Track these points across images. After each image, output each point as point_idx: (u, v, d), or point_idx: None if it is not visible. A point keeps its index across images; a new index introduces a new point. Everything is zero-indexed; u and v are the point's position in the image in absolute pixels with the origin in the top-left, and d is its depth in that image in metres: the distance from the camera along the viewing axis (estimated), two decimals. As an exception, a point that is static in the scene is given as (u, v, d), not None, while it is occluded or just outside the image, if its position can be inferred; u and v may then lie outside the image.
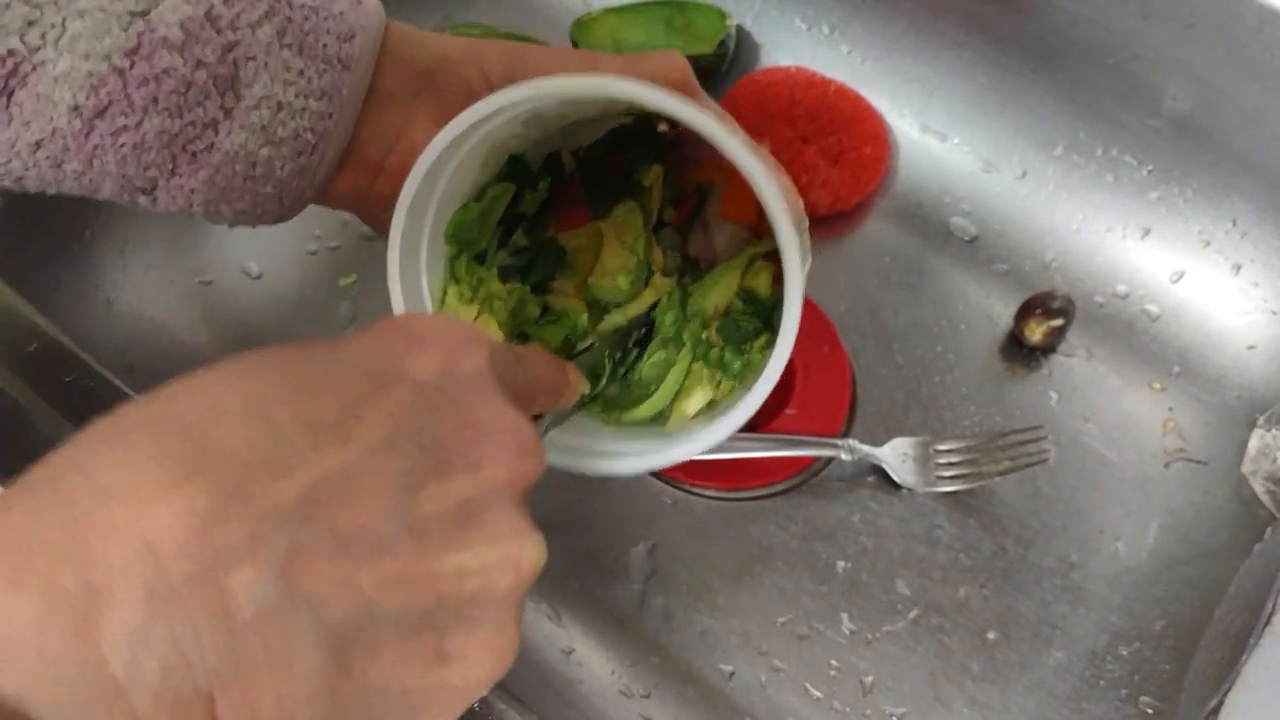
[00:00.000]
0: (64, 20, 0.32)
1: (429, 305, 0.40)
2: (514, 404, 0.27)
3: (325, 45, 0.37)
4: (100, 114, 0.33)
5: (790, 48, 0.68)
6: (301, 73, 0.36)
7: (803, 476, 0.56)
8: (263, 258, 0.62)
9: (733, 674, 0.52)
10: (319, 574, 0.21)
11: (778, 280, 0.45)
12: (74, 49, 0.32)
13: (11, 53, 0.32)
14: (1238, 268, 0.60)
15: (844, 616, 0.53)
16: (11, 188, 0.35)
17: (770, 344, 0.40)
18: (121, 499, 0.20)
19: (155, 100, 0.34)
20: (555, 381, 0.33)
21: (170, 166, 0.35)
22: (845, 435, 0.57)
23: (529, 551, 0.26)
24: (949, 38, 0.63)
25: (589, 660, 0.53)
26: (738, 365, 0.44)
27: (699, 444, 0.39)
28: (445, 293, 0.41)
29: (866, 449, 0.55)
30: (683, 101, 0.37)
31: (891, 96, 0.66)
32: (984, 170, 0.64)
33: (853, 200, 0.64)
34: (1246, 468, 0.56)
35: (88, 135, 0.34)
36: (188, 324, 0.60)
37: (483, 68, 0.40)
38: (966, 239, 0.63)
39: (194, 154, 0.35)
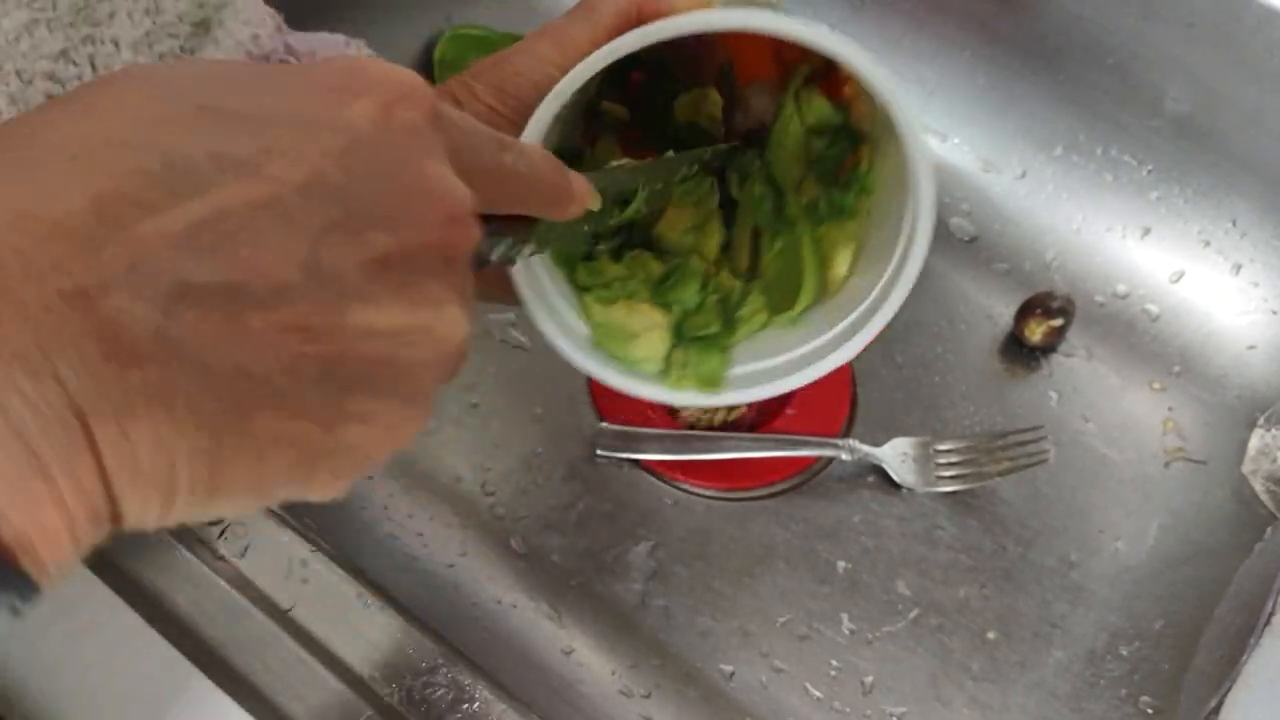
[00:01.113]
0: None
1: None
2: (469, 178, 0.25)
3: None
4: None
5: (790, 48, 0.68)
6: None
7: (803, 476, 0.56)
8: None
9: (733, 674, 0.52)
10: (206, 313, 0.19)
11: (832, 94, 0.42)
12: None
13: None
14: (1238, 268, 0.60)
15: (844, 616, 0.53)
16: None
17: (871, 155, 0.38)
18: (3, 212, 0.18)
19: None
20: (553, 182, 0.30)
21: None
22: (845, 435, 0.57)
23: (451, 324, 0.24)
24: (949, 38, 0.63)
25: (589, 660, 0.53)
26: (850, 198, 0.42)
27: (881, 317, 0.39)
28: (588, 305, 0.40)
29: (866, 449, 0.55)
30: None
31: (891, 97, 0.66)
32: (984, 170, 0.64)
33: (853, 200, 0.64)
34: (1246, 467, 0.56)
35: None
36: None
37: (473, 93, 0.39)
38: (966, 239, 0.63)
39: None
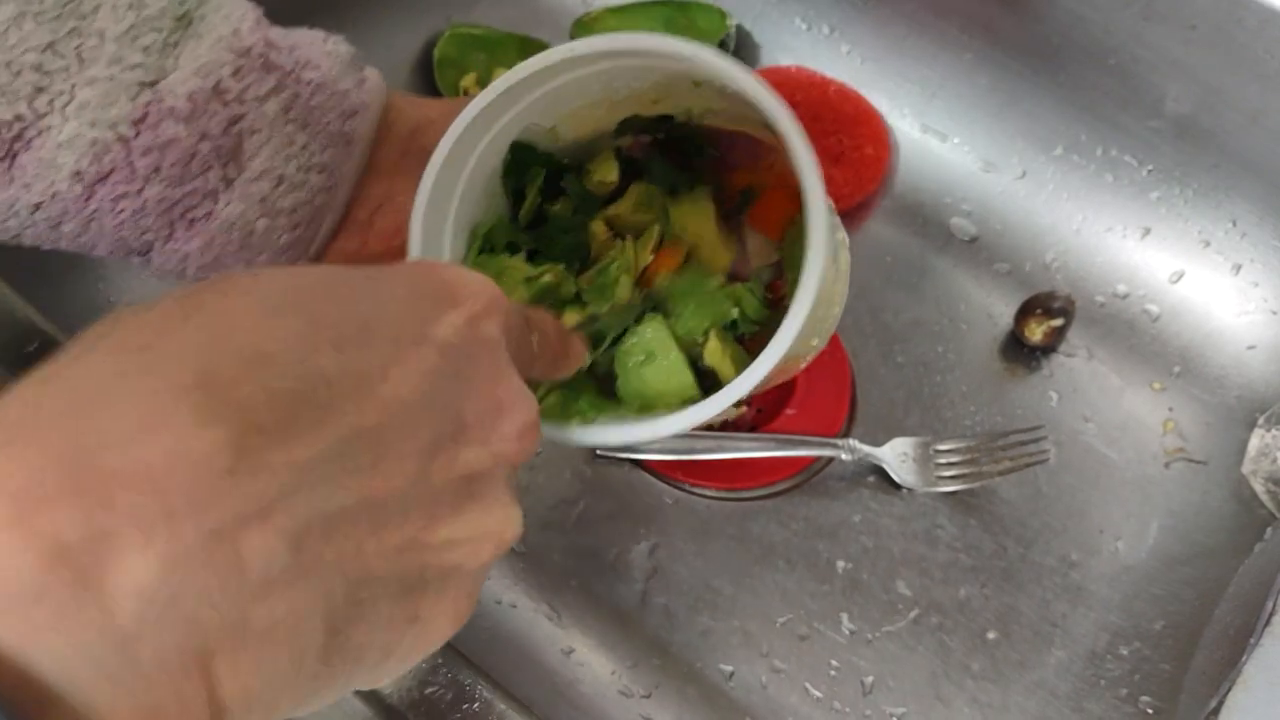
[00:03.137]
0: (73, 88, 0.32)
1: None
2: (518, 370, 0.27)
3: (329, 122, 0.37)
4: (102, 180, 0.33)
5: (790, 48, 0.68)
6: (304, 147, 0.36)
7: (803, 476, 0.56)
8: (263, 257, 0.62)
9: (733, 674, 0.52)
10: (333, 541, 0.20)
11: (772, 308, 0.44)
12: (80, 116, 0.32)
13: (19, 118, 0.32)
14: (1238, 268, 0.60)
15: (844, 616, 0.53)
16: (6, 243, 0.35)
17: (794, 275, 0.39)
18: (138, 439, 0.18)
19: (157, 169, 0.34)
20: (557, 351, 0.32)
21: (168, 232, 0.36)
22: (845, 435, 0.57)
23: (512, 526, 0.25)
24: (950, 38, 0.63)
25: (589, 660, 0.53)
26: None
27: (685, 420, 0.37)
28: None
29: (866, 449, 0.55)
30: (733, 63, 0.36)
31: (892, 97, 0.66)
32: (984, 170, 0.64)
33: (853, 200, 0.64)
34: (1246, 468, 0.56)
35: (88, 200, 0.34)
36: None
37: None
38: (967, 239, 0.63)
39: (191, 220, 0.35)
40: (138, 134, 0.33)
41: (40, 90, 0.32)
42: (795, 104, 0.64)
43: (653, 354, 0.41)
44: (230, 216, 0.36)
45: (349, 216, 0.40)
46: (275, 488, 0.19)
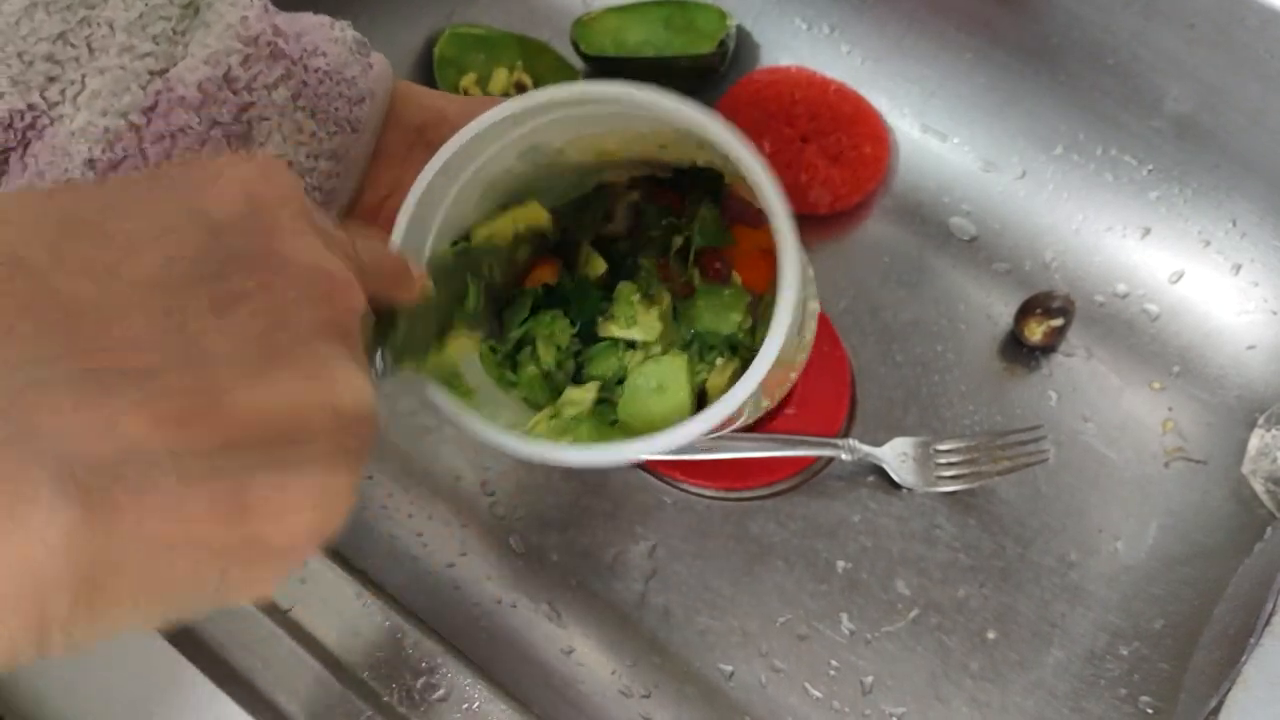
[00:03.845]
0: (84, 77, 0.32)
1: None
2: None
3: (337, 109, 0.37)
4: (114, 167, 0.33)
5: (790, 47, 0.68)
6: (313, 135, 0.37)
7: (803, 476, 0.56)
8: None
9: (732, 673, 0.52)
10: (66, 412, 0.18)
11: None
12: (92, 105, 0.33)
13: (31, 107, 0.32)
14: (1238, 268, 0.60)
15: (844, 616, 0.53)
16: None
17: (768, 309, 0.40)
18: None
19: (169, 156, 0.34)
20: (394, 266, 0.30)
21: None
22: (845, 435, 0.57)
23: (346, 390, 0.22)
24: (949, 38, 0.63)
25: (589, 660, 0.53)
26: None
27: (661, 443, 0.37)
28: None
29: (866, 449, 0.55)
30: (707, 114, 0.37)
31: (891, 96, 0.66)
32: (984, 170, 0.64)
33: (853, 200, 0.64)
34: (1246, 468, 0.56)
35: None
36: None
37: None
38: (966, 239, 0.63)
39: None
40: (149, 122, 0.33)
41: (52, 80, 0.32)
42: (795, 103, 0.64)
43: (665, 386, 0.42)
44: None
45: (358, 200, 0.41)
46: None
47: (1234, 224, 0.60)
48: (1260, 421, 0.57)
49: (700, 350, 0.45)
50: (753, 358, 0.36)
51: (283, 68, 0.36)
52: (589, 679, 0.52)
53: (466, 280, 0.42)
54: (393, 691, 0.44)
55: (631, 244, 0.47)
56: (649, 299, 0.45)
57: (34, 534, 0.17)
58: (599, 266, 0.46)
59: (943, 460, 0.55)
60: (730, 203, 0.47)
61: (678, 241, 0.46)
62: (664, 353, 0.44)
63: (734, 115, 0.65)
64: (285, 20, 0.38)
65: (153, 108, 0.33)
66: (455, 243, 0.42)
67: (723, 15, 0.67)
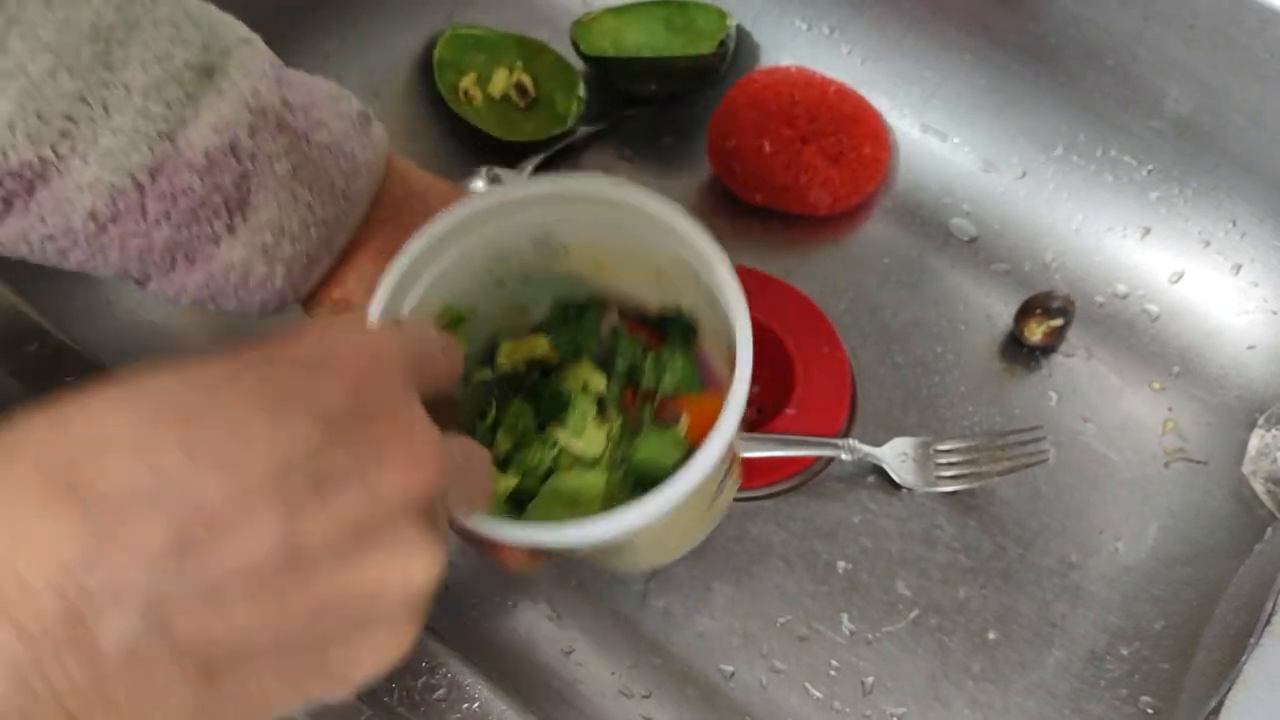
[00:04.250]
0: (97, 135, 0.33)
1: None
2: (424, 403, 0.27)
3: (334, 181, 0.39)
4: (114, 220, 0.35)
5: (790, 48, 0.68)
6: (309, 205, 0.38)
7: (803, 476, 0.56)
8: (263, 258, 0.62)
9: (733, 674, 0.52)
10: (190, 615, 0.21)
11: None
12: (103, 162, 0.34)
13: (42, 159, 0.33)
14: (1238, 268, 0.60)
15: (844, 617, 0.53)
16: (7, 256, 0.37)
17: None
18: (2, 533, 0.20)
19: (168, 214, 0.35)
20: (483, 483, 0.32)
21: (169, 266, 0.37)
22: (845, 435, 0.57)
23: (420, 566, 0.25)
24: (949, 39, 0.63)
25: (589, 660, 0.53)
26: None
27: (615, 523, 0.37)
28: None
29: (866, 449, 0.55)
30: (692, 223, 0.38)
31: (891, 96, 0.66)
32: (984, 170, 0.64)
33: (853, 200, 0.64)
34: (1246, 468, 0.56)
35: (99, 236, 0.35)
36: (188, 325, 0.60)
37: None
38: (966, 239, 0.63)
39: (193, 260, 0.37)
40: (153, 180, 0.34)
41: (65, 135, 0.33)
42: (794, 104, 0.64)
43: (578, 502, 0.43)
44: (230, 260, 0.37)
45: (342, 263, 0.42)
46: (122, 572, 0.21)
47: (1234, 224, 0.60)
48: (1260, 422, 0.57)
49: (626, 478, 0.46)
50: None
51: (287, 141, 0.37)
52: (589, 679, 0.52)
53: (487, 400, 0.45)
54: (393, 691, 0.44)
55: (602, 364, 0.49)
56: (602, 417, 0.47)
57: (171, 705, 0.21)
58: (597, 383, 0.47)
59: (943, 460, 0.55)
60: (696, 357, 0.49)
61: (648, 376, 0.47)
62: (590, 468, 0.45)
63: (734, 116, 0.65)
64: (295, 91, 0.39)
65: (159, 169, 0.34)
66: (481, 366, 0.46)
67: (722, 15, 0.67)
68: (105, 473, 0.21)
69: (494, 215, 0.41)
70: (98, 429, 0.22)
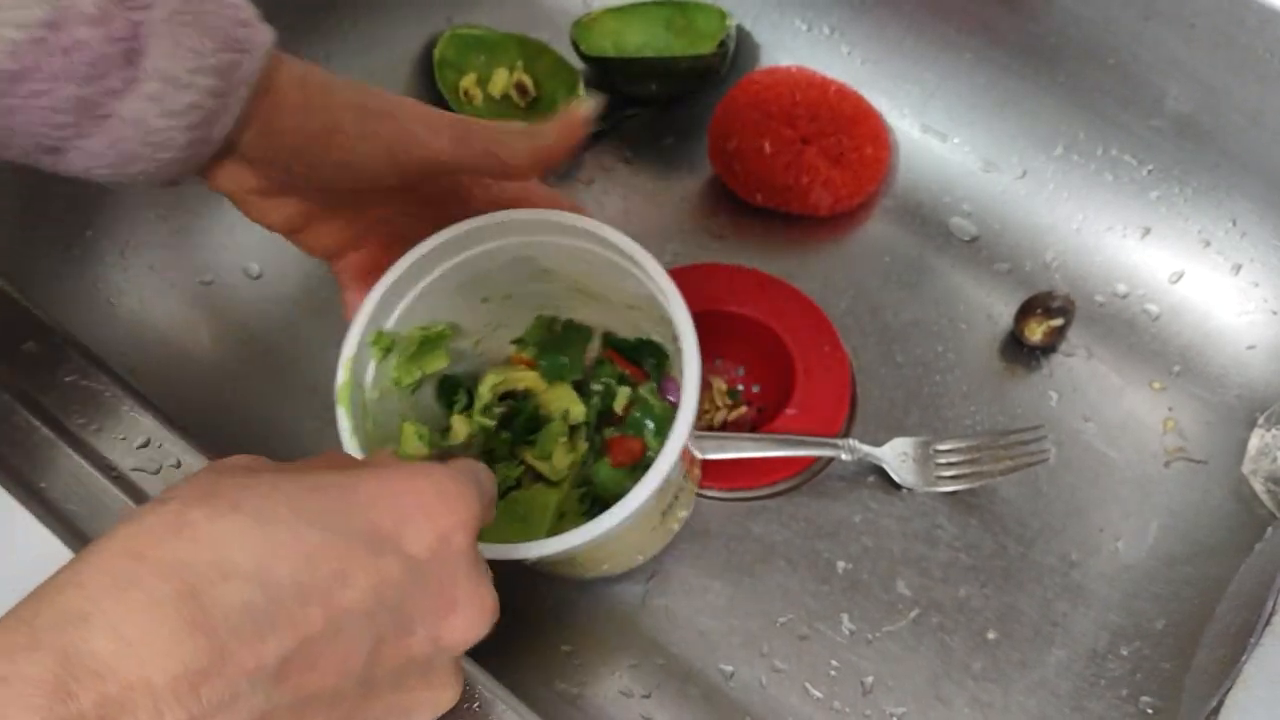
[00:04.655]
0: None
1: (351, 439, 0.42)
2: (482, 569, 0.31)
3: (219, 26, 0.39)
4: (18, 78, 0.36)
5: (790, 48, 0.68)
6: (195, 50, 0.39)
7: (803, 476, 0.56)
8: (263, 258, 0.62)
9: (733, 674, 0.52)
10: None
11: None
12: (4, 17, 0.35)
13: None
14: (1238, 268, 0.60)
15: (844, 616, 0.53)
16: None
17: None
18: (133, 648, 0.23)
19: (69, 69, 0.37)
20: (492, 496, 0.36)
21: (76, 129, 0.38)
22: (845, 435, 0.57)
23: (448, 697, 0.30)
24: (949, 39, 0.63)
25: (589, 660, 0.53)
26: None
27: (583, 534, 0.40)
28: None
29: (866, 449, 0.55)
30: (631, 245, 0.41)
31: (892, 97, 0.66)
32: (984, 170, 0.64)
33: (853, 200, 0.64)
34: (1246, 467, 0.56)
35: (5, 95, 0.36)
36: (189, 324, 0.60)
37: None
38: (966, 239, 0.63)
39: (97, 119, 0.38)
40: (54, 33, 0.36)
41: None
42: (795, 104, 0.64)
43: (529, 519, 0.46)
44: (129, 114, 0.38)
45: (263, 124, 0.42)
46: (236, 687, 0.24)
47: (1234, 224, 0.60)
48: (1260, 421, 0.57)
49: (585, 496, 0.48)
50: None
51: None
52: (590, 679, 0.52)
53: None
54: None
55: (577, 386, 0.51)
56: (571, 441, 0.49)
57: None
58: (577, 412, 0.49)
59: (943, 460, 0.55)
60: (667, 385, 0.51)
61: (622, 401, 0.49)
62: (549, 486, 0.47)
63: (734, 116, 0.65)
64: None
65: (54, 23, 0.36)
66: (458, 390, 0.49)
67: (723, 16, 0.67)
68: (228, 595, 0.24)
69: (476, 238, 0.43)
70: (222, 552, 0.25)
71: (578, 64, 0.69)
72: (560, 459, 0.48)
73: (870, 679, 0.52)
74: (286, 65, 0.42)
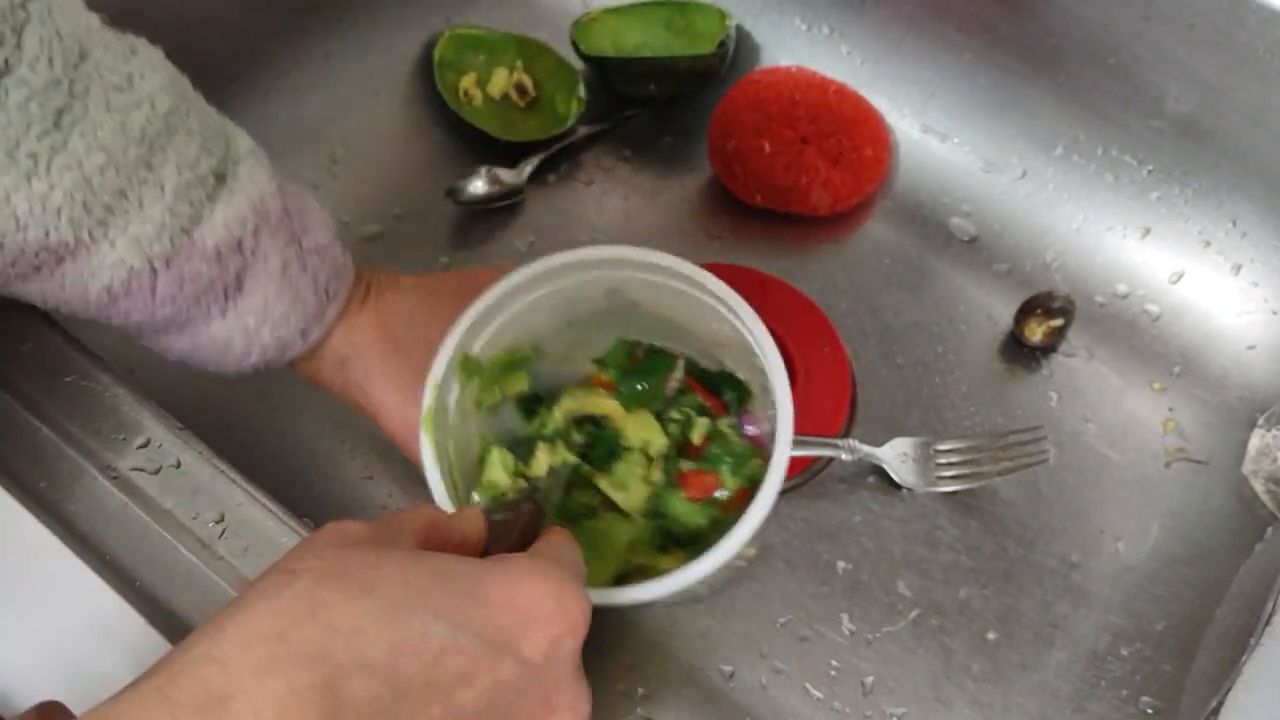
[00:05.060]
0: (129, 224, 0.38)
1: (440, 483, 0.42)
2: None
3: (317, 278, 0.44)
4: (125, 295, 0.39)
5: (790, 48, 0.68)
6: (294, 299, 0.43)
7: (803, 477, 0.56)
8: (263, 258, 0.62)
9: (733, 674, 0.52)
10: None
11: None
12: (127, 247, 0.38)
13: (78, 240, 0.37)
14: (1238, 268, 0.60)
15: (844, 617, 0.53)
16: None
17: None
18: None
19: (174, 297, 0.40)
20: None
21: (163, 332, 0.42)
22: (845, 435, 0.57)
23: None
24: (949, 39, 0.63)
25: (589, 660, 0.53)
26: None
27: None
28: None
29: (867, 449, 0.55)
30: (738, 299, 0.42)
31: (891, 97, 0.66)
32: (984, 170, 0.64)
33: (853, 201, 0.64)
34: (1247, 468, 0.56)
35: (108, 307, 0.40)
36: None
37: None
38: (966, 239, 0.63)
39: (183, 329, 0.42)
40: (168, 267, 0.39)
41: (101, 223, 0.37)
42: (795, 105, 0.64)
43: (601, 553, 0.45)
44: (217, 334, 0.42)
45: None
46: None
47: (1234, 224, 0.60)
48: (1261, 421, 0.57)
49: (657, 530, 0.47)
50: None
51: (283, 239, 0.42)
52: (590, 679, 0.52)
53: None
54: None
55: (657, 416, 0.50)
56: (646, 474, 0.48)
57: None
58: (658, 444, 0.48)
59: (943, 461, 0.55)
60: (744, 419, 0.50)
61: (700, 433, 0.48)
62: (623, 517, 0.47)
63: (734, 117, 0.65)
64: (291, 199, 0.44)
65: (174, 257, 0.39)
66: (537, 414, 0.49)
67: (722, 16, 0.67)
68: (361, 688, 0.26)
69: (568, 271, 0.44)
70: (358, 642, 0.26)
71: (577, 64, 0.69)
72: (637, 491, 0.48)
73: (870, 680, 0.52)
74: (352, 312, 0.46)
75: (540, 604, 0.30)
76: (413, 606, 0.28)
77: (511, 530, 0.36)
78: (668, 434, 0.48)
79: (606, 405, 0.49)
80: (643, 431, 0.48)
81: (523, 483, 0.46)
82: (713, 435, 0.48)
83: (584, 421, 0.49)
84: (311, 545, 0.30)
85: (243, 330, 0.42)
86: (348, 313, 0.46)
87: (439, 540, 0.33)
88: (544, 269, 0.44)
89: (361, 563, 0.28)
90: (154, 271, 0.39)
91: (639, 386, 0.49)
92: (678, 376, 0.50)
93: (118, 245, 0.38)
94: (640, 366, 0.50)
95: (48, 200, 0.36)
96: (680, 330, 0.48)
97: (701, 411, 0.49)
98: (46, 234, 0.36)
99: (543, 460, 0.47)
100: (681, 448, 0.49)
